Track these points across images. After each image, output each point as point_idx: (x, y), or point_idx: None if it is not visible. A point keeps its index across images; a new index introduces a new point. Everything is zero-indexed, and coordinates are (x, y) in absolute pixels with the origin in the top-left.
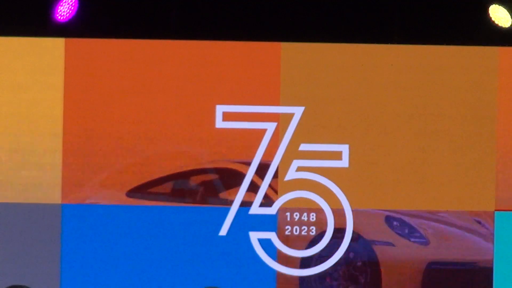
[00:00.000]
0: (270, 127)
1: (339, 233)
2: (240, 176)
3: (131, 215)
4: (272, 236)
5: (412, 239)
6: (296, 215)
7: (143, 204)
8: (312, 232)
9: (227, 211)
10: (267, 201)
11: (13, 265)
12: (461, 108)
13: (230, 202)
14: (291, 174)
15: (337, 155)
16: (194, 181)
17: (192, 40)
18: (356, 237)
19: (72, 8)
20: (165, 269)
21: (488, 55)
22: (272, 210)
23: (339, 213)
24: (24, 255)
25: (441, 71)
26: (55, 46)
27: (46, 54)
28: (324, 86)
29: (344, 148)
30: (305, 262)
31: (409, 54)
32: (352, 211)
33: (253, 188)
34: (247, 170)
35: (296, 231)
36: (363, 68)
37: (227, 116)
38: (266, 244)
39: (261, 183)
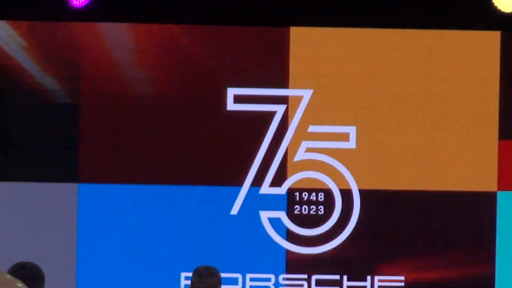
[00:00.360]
0: (279, 109)
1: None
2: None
3: (146, 195)
4: (281, 215)
5: None
6: (305, 195)
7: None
8: (321, 211)
9: (238, 191)
10: (277, 181)
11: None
12: (465, 91)
13: None
14: (300, 155)
15: (345, 137)
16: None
17: (209, 25)
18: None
19: None
20: (177, 247)
21: (490, 39)
22: (281, 190)
23: (346, 194)
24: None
25: (445, 55)
26: None
27: None
28: (332, 69)
29: (352, 130)
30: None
31: (414, 38)
32: (360, 191)
33: (263, 168)
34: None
35: (305, 211)
36: (370, 51)
37: (238, 99)
38: (276, 223)
39: (271, 163)
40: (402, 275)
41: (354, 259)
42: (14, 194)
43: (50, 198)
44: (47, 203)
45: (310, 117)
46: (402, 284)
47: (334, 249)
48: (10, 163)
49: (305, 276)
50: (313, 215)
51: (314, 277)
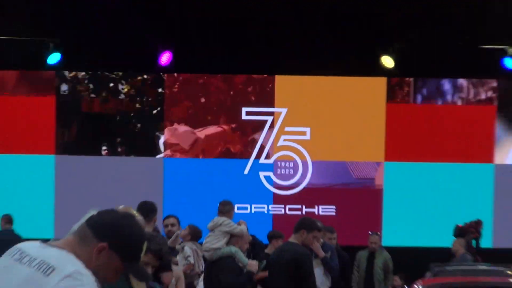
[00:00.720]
0: (269, 118)
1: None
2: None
3: (202, 164)
4: (271, 174)
5: None
6: (283, 163)
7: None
8: (291, 172)
9: (247, 161)
10: (268, 156)
11: None
12: (363, 112)
13: None
14: (281, 142)
15: (304, 133)
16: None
17: (233, 74)
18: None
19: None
20: (217, 191)
21: (378, 83)
22: (271, 161)
23: (304, 163)
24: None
25: (352, 92)
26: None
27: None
28: (297, 97)
29: (308, 130)
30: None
31: (337, 83)
32: (312, 161)
33: (261, 149)
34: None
35: (283, 172)
36: (318, 90)
37: (248, 113)
38: (268, 178)
39: (265, 146)
40: (334, 205)
41: (308, 197)
42: (120, 166)
43: (142, 169)
44: (139, 172)
45: (286, 122)
46: (334, 210)
47: (298, 192)
48: (116, 144)
49: (283, 206)
50: (287, 174)
51: (287, 206)
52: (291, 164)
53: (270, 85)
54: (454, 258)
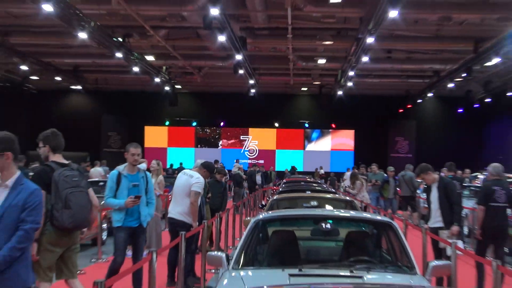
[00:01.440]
0: (248, 139)
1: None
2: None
3: (229, 151)
4: (247, 153)
5: None
6: (251, 150)
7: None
8: (254, 154)
9: (241, 149)
10: (246, 148)
11: None
12: (269, 139)
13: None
14: (250, 145)
15: (254, 144)
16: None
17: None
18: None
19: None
20: (235, 157)
21: (273, 132)
22: (247, 149)
23: (256, 150)
24: None
25: (271, 135)
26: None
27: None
28: (255, 133)
29: (256, 142)
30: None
31: (266, 131)
32: (258, 150)
33: (245, 147)
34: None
35: (251, 151)
36: (261, 133)
37: (242, 138)
38: (248, 154)
39: (246, 147)
40: (263, 160)
41: (257, 158)
42: (209, 151)
43: (213, 152)
44: (213, 153)
45: (252, 140)
46: (263, 162)
47: (254, 157)
48: (205, 144)
49: (251, 161)
50: (252, 153)
51: (252, 161)
52: (253, 150)
53: (246, 131)
54: (285, 174)
